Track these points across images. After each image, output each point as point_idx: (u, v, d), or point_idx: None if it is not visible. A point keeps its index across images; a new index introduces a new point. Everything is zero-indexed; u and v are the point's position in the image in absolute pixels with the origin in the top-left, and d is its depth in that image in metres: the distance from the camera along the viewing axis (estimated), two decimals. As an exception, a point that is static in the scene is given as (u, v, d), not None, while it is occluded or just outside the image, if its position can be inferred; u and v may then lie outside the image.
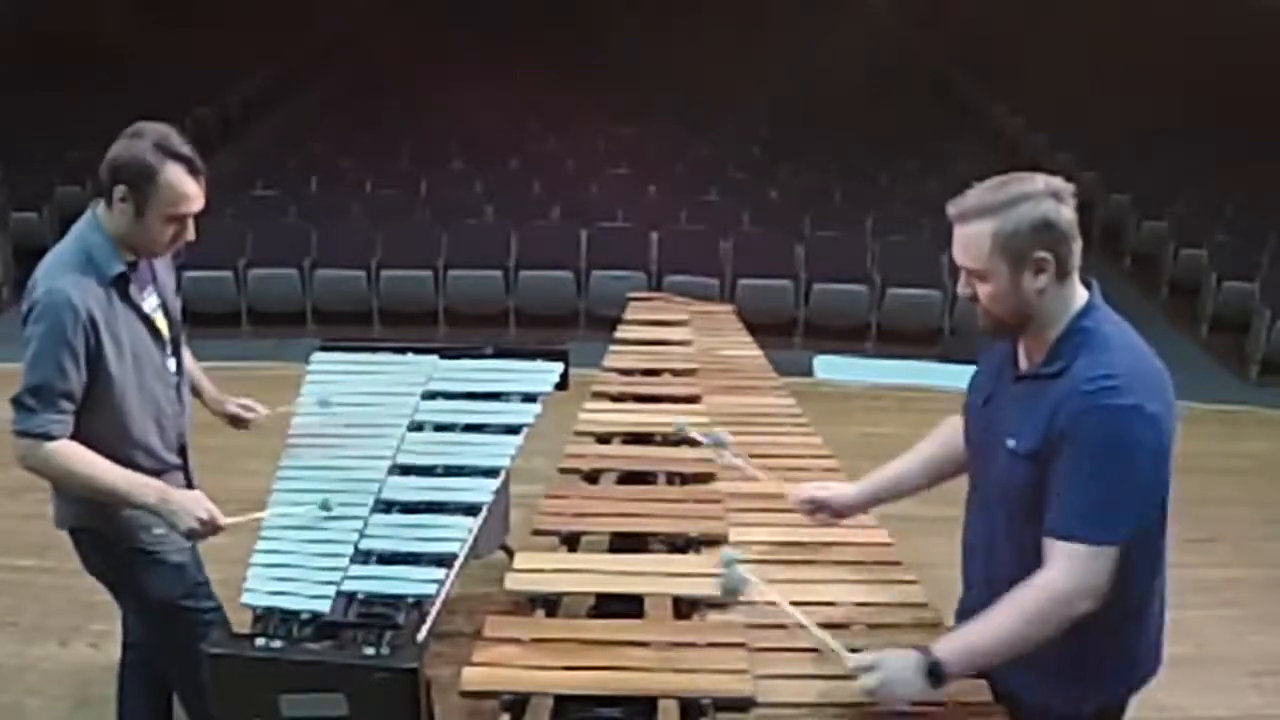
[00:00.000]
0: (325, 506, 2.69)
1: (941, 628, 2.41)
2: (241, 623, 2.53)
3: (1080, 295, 2.08)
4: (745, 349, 4.38)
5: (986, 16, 14.83)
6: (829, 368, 7.40)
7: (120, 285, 2.55)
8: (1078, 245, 2.04)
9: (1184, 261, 9.13)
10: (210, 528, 2.55)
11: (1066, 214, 2.01)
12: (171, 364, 2.73)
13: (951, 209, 2.07)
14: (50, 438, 2.45)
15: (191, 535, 2.58)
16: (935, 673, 1.99)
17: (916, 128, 12.17)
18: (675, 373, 3.99)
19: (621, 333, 4.41)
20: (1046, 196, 2.00)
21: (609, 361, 4.07)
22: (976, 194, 2.05)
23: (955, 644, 2.03)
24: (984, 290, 2.06)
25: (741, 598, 2.42)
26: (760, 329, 4.90)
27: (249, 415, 3.04)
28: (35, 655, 3.84)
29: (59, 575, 3.84)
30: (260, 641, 2.38)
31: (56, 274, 2.50)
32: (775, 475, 2.95)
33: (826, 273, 8.55)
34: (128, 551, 2.67)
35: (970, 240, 2.04)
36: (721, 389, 3.85)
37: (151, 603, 2.76)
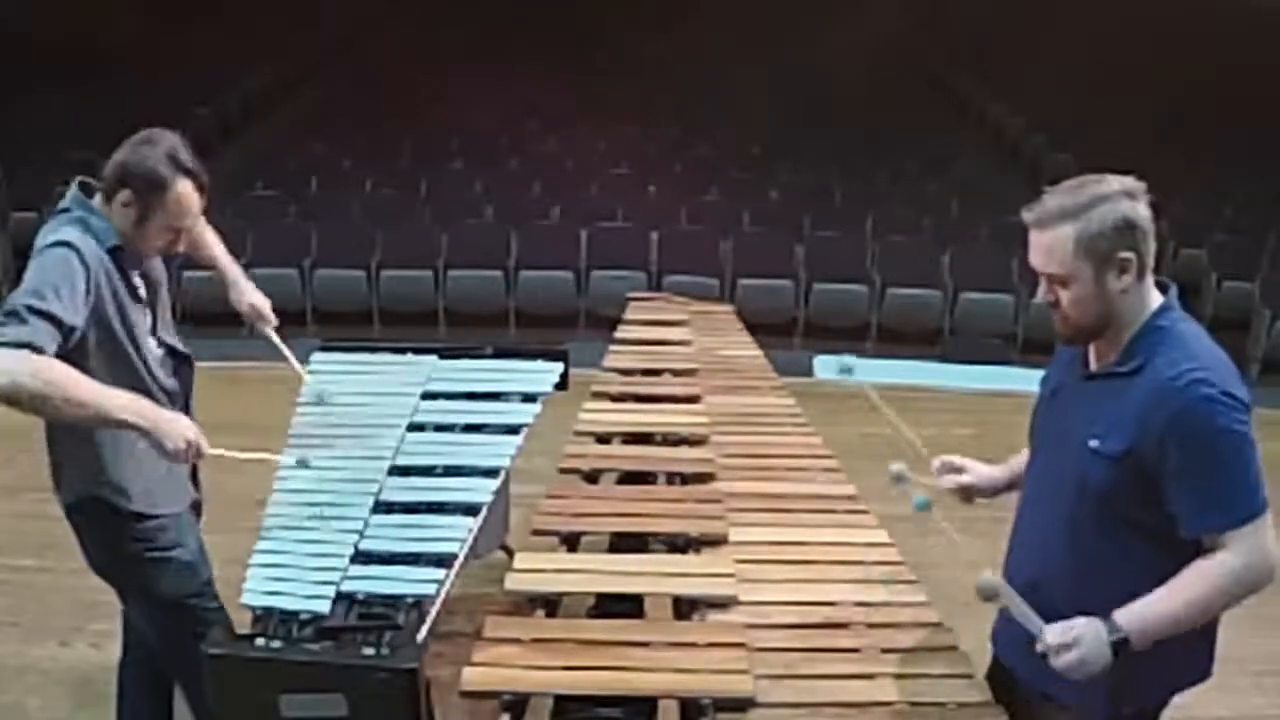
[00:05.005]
0: (303, 463, 2.71)
1: (941, 628, 2.42)
2: (241, 623, 2.52)
3: (1156, 296, 2.10)
4: (745, 349, 4.39)
5: (986, 16, 14.82)
6: (829, 368, 7.40)
7: (116, 257, 2.55)
8: (1154, 242, 2.05)
9: (1184, 261, 9.12)
10: (194, 451, 2.48)
11: (1144, 212, 2.03)
12: (152, 343, 2.70)
13: (1028, 215, 2.07)
14: (34, 348, 2.30)
15: (175, 457, 2.47)
16: (1120, 646, 1.99)
17: (916, 128, 12.17)
18: (675, 373, 3.99)
19: (621, 333, 4.41)
20: (1123, 196, 2.02)
21: (609, 361, 4.08)
22: (1054, 199, 2.05)
23: (1135, 617, 2.00)
24: (1066, 295, 2.06)
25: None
26: (760, 329, 4.90)
27: (260, 320, 3.12)
28: (35, 655, 3.84)
29: (59, 575, 3.85)
30: (260, 642, 2.38)
31: (60, 231, 2.49)
32: (775, 475, 2.96)
33: (826, 273, 8.55)
34: (137, 550, 2.66)
35: (1052, 245, 2.04)
36: (721, 389, 3.86)
37: (159, 601, 2.74)
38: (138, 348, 2.61)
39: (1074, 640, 1.97)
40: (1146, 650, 2.05)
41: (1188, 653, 2.17)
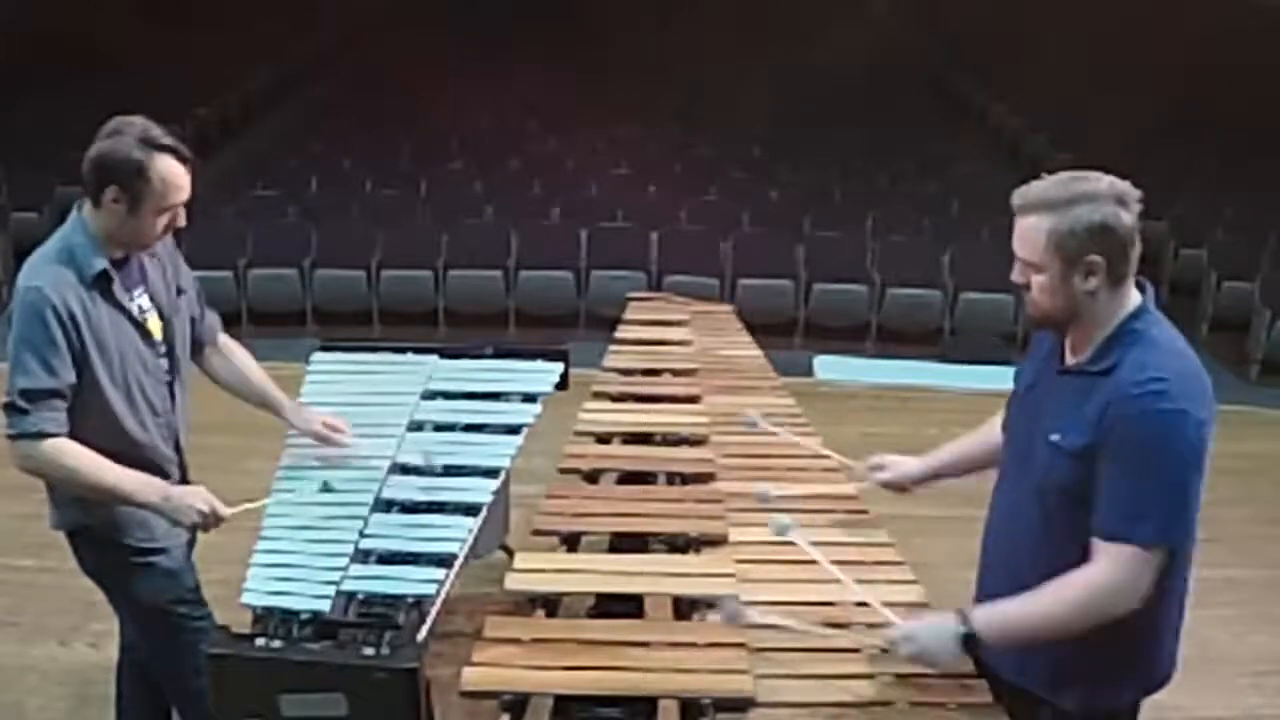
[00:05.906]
0: (327, 488, 2.71)
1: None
2: (241, 623, 2.52)
3: (1134, 298, 2.09)
4: (745, 349, 4.38)
5: (986, 16, 14.84)
6: (829, 368, 7.41)
7: (102, 284, 2.52)
8: (1135, 251, 2.04)
9: (1184, 261, 9.12)
10: (213, 519, 2.54)
11: (1127, 219, 2.01)
12: (164, 363, 2.69)
13: (1015, 198, 2.08)
14: (45, 435, 2.44)
15: (195, 529, 2.57)
16: (970, 643, 2.05)
17: (916, 128, 12.18)
18: (675, 373, 3.99)
19: (621, 333, 4.41)
20: (1110, 200, 2.00)
21: (609, 361, 4.07)
22: (1041, 186, 2.06)
23: (992, 618, 2.07)
24: (1035, 282, 2.07)
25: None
26: (760, 329, 4.90)
27: (336, 436, 2.91)
28: (35, 655, 3.85)
29: (59, 575, 3.83)
30: (260, 641, 2.38)
31: (36, 273, 2.48)
32: (775, 476, 2.95)
33: (826, 273, 8.55)
34: (121, 555, 2.66)
35: (1026, 232, 2.05)
36: (721, 389, 3.85)
37: (142, 607, 2.75)
38: (127, 377, 2.58)
39: (909, 634, 2.09)
40: (1113, 650, 2.08)
41: (1154, 655, 2.20)
